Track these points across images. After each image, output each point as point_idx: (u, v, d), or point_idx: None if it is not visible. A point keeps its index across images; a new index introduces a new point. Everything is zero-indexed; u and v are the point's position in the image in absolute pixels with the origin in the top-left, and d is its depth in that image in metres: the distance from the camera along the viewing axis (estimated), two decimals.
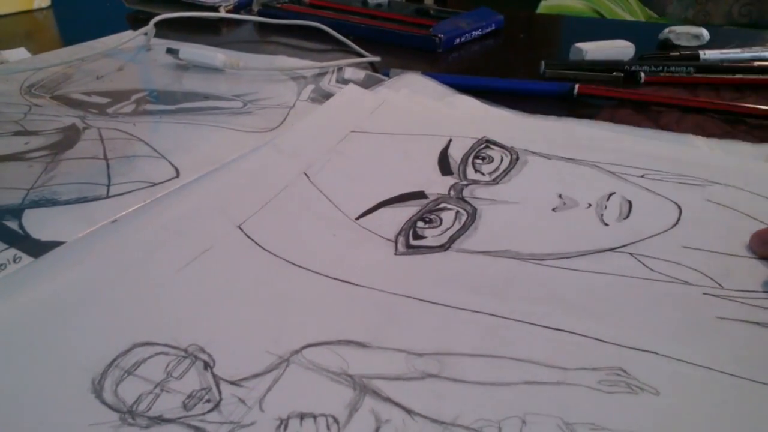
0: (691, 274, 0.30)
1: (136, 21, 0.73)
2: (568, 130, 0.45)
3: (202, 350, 0.25)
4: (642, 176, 0.38)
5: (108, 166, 0.40)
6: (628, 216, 0.35)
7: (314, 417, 0.23)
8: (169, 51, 0.59)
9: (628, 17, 1.03)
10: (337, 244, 0.32)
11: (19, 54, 0.61)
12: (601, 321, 0.27)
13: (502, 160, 0.40)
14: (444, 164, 0.40)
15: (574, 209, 0.35)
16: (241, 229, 0.33)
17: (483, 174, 0.39)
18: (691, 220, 0.34)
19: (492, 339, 0.26)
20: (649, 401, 0.24)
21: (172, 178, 0.39)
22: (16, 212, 0.35)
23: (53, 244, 0.32)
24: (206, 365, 0.25)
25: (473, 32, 0.69)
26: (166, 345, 0.25)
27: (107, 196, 0.36)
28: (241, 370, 0.24)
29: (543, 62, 0.57)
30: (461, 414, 0.23)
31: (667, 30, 0.68)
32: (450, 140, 0.42)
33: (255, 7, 0.78)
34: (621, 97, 0.52)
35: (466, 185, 0.37)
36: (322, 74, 0.57)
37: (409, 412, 0.23)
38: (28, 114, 0.48)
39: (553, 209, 0.35)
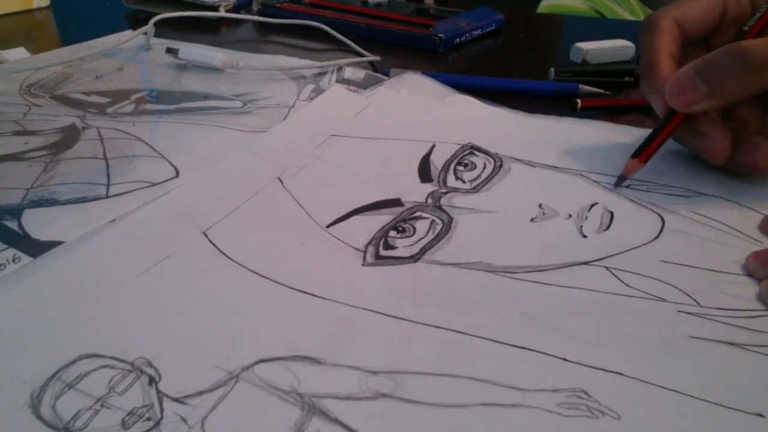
0: (667, 290, 0.29)
1: (136, 20, 0.73)
2: (565, 130, 0.44)
3: (150, 364, 0.25)
4: (628, 186, 0.37)
5: (107, 165, 0.40)
6: (608, 228, 0.33)
7: None
8: (169, 51, 0.58)
9: (629, 17, 1.01)
10: (304, 253, 0.32)
11: (18, 53, 0.61)
12: (567, 339, 0.26)
13: (485, 167, 0.39)
14: (424, 171, 0.39)
15: (553, 220, 0.34)
16: (206, 236, 0.32)
17: (464, 182, 0.37)
18: (674, 232, 0.33)
19: (450, 357, 0.25)
20: (610, 426, 0.22)
21: (172, 178, 0.39)
22: (16, 212, 0.35)
23: (52, 244, 0.32)
24: (151, 380, 0.24)
25: (473, 32, 0.68)
26: (112, 357, 0.25)
27: (107, 196, 0.36)
28: (187, 387, 0.24)
29: (552, 69, 0.56)
30: None
31: None
32: (433, 146, 0.41)
33: (255, 7, 0.77)
34: (624, 105, 0.51)
35: (445, 193, 0.36)
36: (321, 74, 0.56)
37: None
38: (28, 114, 0.48)
39: (532, 219, 0.34)
